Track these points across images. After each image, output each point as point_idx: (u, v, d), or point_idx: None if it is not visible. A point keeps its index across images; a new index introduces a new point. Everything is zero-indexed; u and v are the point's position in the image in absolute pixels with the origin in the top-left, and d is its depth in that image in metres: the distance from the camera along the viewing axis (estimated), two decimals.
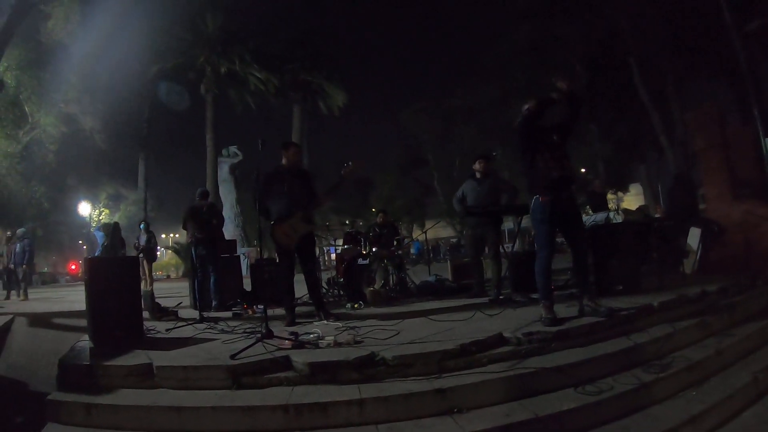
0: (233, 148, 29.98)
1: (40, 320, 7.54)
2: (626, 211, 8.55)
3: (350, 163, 6.02)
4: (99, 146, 26.47)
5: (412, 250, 30.98)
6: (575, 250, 5.03)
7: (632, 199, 40.21)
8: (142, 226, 12.68)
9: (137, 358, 4.09)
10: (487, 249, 7.38)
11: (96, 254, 12.01)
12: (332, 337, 4.27)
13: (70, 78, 21.97)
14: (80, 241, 43.54)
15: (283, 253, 5.96)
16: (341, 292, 8.21)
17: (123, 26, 21.28)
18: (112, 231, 12.19)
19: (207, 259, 7.87)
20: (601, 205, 9.78)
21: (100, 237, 12.14)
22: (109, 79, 22.98)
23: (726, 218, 9.41)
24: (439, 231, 41.69)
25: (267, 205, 5.88)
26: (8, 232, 14.33)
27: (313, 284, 6.12)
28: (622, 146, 26.63)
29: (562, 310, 5.28)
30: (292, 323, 5.62)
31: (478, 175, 7.38)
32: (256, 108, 29.35)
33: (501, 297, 6.68)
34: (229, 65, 27.21)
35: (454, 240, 41.03)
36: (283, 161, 6.12)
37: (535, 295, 6.59)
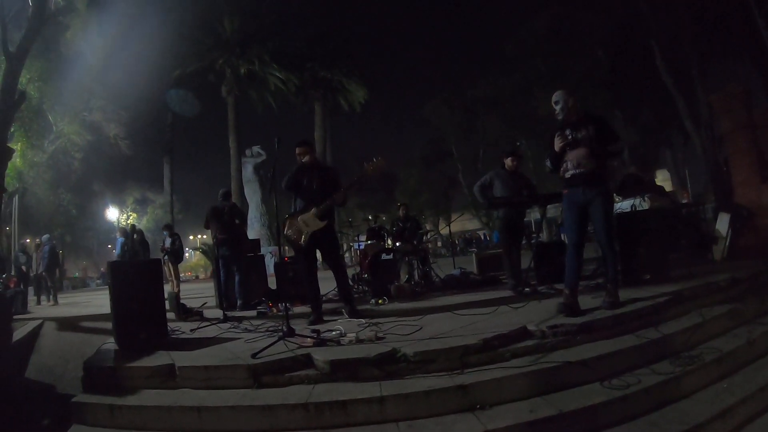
0: (257, 148, 30.21)
1: (68, 324, 7.70)
2: (653, 198, 8.34)
3: (376, 159, 5.91)
4: (124, 152, 26.89)
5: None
6: (599, 244, 5.02)
7: (660, 185, 39.55)
8: (165, 231, 12.83)
9: (160, 359, 4.13)
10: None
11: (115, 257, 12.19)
12: (354, 334, 4.24)
13: (92, 87, 22.34)
14: (109, 246, 44.38)
15: (296, 250, 5.95)
16: (366, 288, 8.19)
17: (141, 33, 21.48)
18: (131, 234, 12.36)
19: (230, 259, 7.92)
20: (641, 188, 9.41)
21: (119, 242, 12.26)
22: (131, 85, 23.26)
23: (755, 203, 9.22)
24: (465, 224, 41.51)
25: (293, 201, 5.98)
26: (37, 240, 14.65)
27: (340, 280, 6.04)
28: (647, 131, 26.13)
29: (588, 301, 5.21)
30: (316, 321, 5.54)
31: (509, 169, 7.22)
32: (277, 108, 29.45)
33: (527, 289, 6.58)
34: (248, 66, 27.30)
35: (481, 233, 40.79)
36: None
37: (559, 286, 6.53)
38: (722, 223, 9.03)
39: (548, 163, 5.06)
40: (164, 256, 12.04)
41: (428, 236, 10.19)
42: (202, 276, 42.13)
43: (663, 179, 39.14)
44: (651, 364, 3.73)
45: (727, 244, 8.80)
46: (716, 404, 3.39)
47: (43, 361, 6.13)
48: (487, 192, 7.19)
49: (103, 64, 21.58)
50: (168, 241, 12.19)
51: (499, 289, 7.37)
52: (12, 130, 16.52)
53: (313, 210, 5.75)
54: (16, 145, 18.57)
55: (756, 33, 16.04)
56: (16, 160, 19.66)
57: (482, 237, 39.65)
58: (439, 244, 33.60)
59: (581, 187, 4.79)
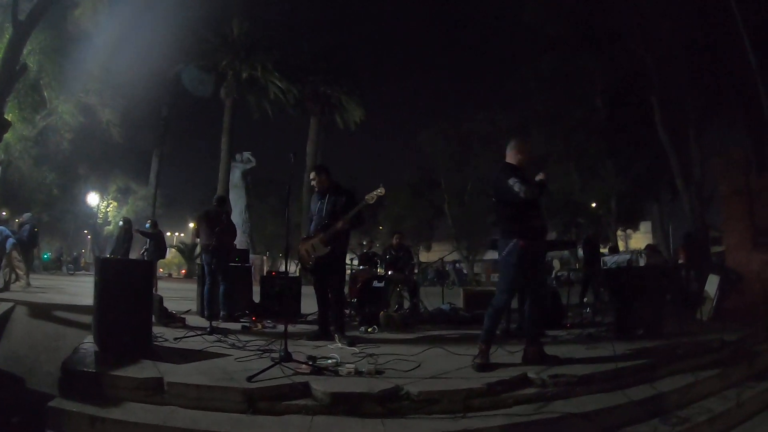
0: (247, 154, 30.09)
1: (42, 312, 7.41)
2: (649, 255, 8.44)
3: (378, 189, 5.84)
4: (114, 139, 26.36)
5: None
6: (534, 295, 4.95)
7: (641, 237, 40.12)
8: (147, 225, 12.36)
9: (147, 370, 3.90)
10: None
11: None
12: (352, 365, 4.10)
13: (92, 69, 21.91)
14: (85, 231, 43.55)
15: (305, 270, 6.04)
16: (353, 312, 8.04)
17: (149, 23, 21.33)
18: (125, 226, 12.00)
19: (218, 268, 7.67)
20: (594, 255, 9.64)
21: (3, 231, 11.71)
22: (131, 74, 22.96)
23: (745, 267, 9.31)
24: (443, 253, 41.60)
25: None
26: (17, 220, 14.12)
27: (335, 305, 6.04)
28: (637, 183, 26.44)
29: (582, 351, 5.26)
30: (315, 338, 5.71)
31: None
32: (273, 116, 29.48)
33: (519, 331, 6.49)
34: (250, 71, 27.40)
35: (460, 265, 40.78)
36: None
37: (552, 332, 6.48)
38: (711, 285, 9.10)
39: (528, 192, 4.54)
40: (143, 253, 11.63)
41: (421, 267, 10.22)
42: (175, 274, 41.53)
43: (645, 231, 39.78)
44: (647, 420, 3.78)
45: (714, 305, 8.87)
46: None
47: (12, 348, 5.83)
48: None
49: (106, 47, 21.24)
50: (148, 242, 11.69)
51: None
52: None
53: (320, 236, 5.81)
54: (8, 117, 18.14)
55: (752, 102, 16.32)
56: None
57: (463, 270, 39.60)
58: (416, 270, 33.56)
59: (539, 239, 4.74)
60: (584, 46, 21.98)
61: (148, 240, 11.72)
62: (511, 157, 4.85)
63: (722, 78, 18.22)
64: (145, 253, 11.58)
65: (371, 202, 5.78)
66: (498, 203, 4.81)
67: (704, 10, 16.66)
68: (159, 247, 11.82)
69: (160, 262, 14.81)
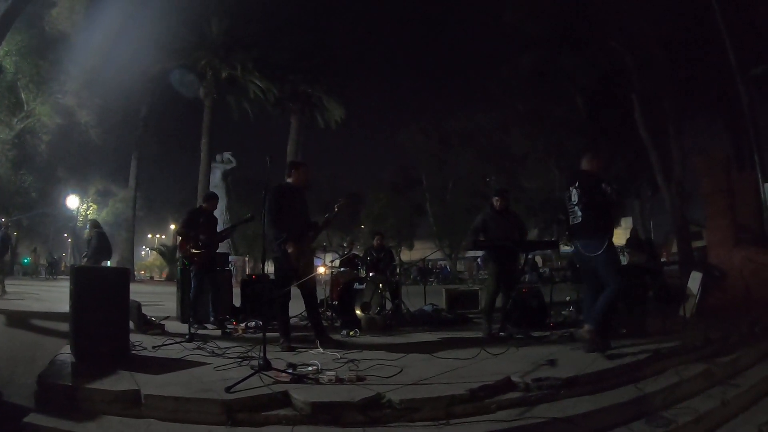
0: (227, 155, 29.85)
1: (19, 320, 7.32)
2: (632, 253, 8.45)
3: (341, 200, 5.90)
4: (93, 141, 25.99)
5: None
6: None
7: (622, 233, 40.39)
8: (87, 226, 11.70)
9: (123, 381, 3.82)
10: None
11: None
12: (333, 373, 4.02)
13: (70, 69, 21.67)
14: (65, 234, 43.00)
15: (286, 274, 5.64)
16: (333, 314, 7.97)
17: (127, 23, 21.13)
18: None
19: (207, 270, 7.42)
20: None
21: None
22: (109, 74, 22.69)
23: (727, 263, 9.39)
24: (425, 251, 41.65)
25: (278, 221, 5.55)
26: None
27: (313, 308, 5.87)
28: (617, 180, 26.69)
29: (567, 352, 5.21)
30: (288, 349, 5.36)
31: (498, 209, 7.13)
32: (253, 116, 29.30)
33: (502, 333, 6.46)
34: (230, 71, 27.17)
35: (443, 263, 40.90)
36: (290, 180, 5.90)
37: (536, 333, 6.45)
38: (694, 282, 9.15)
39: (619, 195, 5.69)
40: (84, 256, 10.99)
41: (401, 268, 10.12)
42: (156, 277, 41.15)
43: (626, 227, 40.11)
44: (632, 422, 3.72)
45: (696, 301, 8.92)
46: None
47: None
48: (478, 236, 7.08)
49: (84, 48, 20.98)
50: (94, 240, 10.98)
51: (472, 329, 7.36)
52: None
53: (311, 236, 5.70)
54: None
55: (732, 99, 16.51)
56: None
57: (446, 268, 39.70)
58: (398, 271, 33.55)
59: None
60: (565, 45, 22.11)
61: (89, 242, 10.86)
62: (587, 166, 5.82)
63: (702, 76, 18.42)
64: (85, 257, 10.75)
65: (341, 209, 5.81)
66: (593, 205, 5.53)
67: (684, 9, 16.83)
68: (100, 247, 10.63)
69: (141, 264, 14.50)
